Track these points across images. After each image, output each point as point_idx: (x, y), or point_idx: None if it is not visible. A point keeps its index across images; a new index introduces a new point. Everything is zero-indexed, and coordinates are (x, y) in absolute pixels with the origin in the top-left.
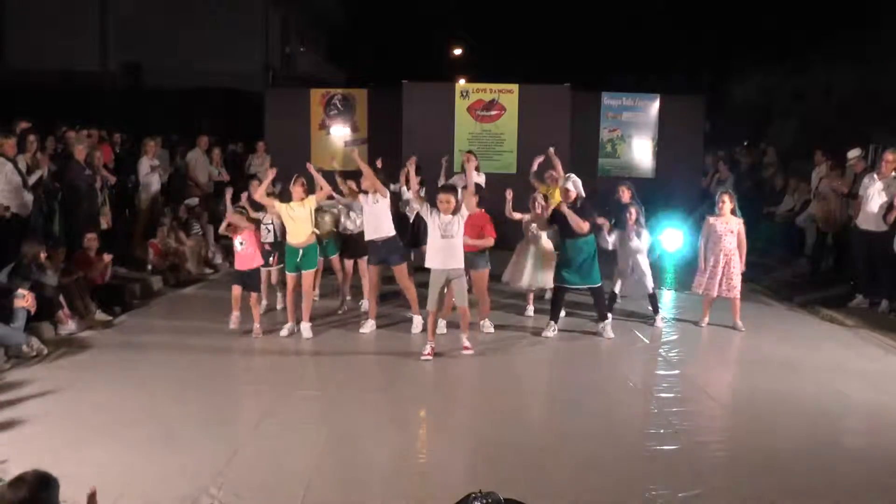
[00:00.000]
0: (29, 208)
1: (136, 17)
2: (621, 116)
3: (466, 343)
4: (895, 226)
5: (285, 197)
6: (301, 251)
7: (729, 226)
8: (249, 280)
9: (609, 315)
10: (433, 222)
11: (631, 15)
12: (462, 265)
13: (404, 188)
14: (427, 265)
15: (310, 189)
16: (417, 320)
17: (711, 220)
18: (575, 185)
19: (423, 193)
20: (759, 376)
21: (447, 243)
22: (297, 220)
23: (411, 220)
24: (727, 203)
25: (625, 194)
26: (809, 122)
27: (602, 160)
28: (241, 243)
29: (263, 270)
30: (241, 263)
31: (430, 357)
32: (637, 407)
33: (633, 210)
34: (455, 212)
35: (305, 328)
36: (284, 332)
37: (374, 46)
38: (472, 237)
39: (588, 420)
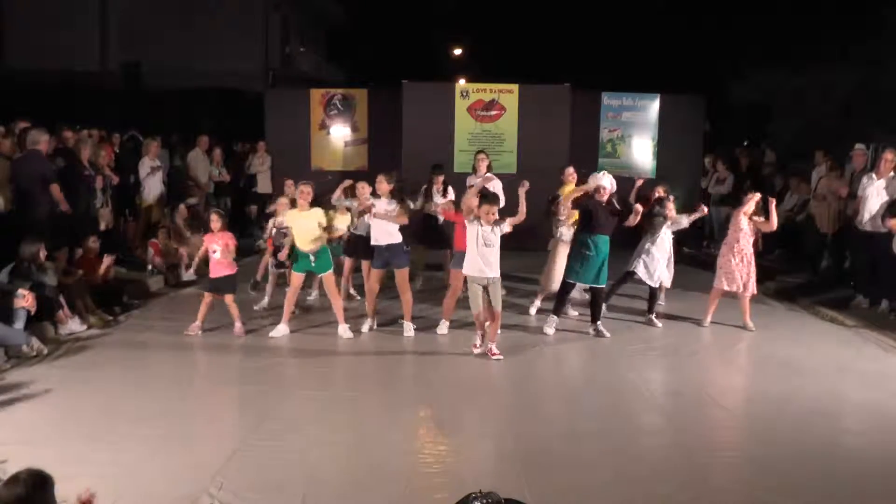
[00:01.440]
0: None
1: (137, 17)
2: (621, 116)
3: (495, 350)
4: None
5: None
6: (311, 256)
7: (750, 225)
8: (222, 285)
9: (600, 316)
10: (473, 231)
11: (631, 15)
12: (498, 272)
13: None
14: (465, 272)
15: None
16: (408, 325)
17: (739, 216)
18: (612, 183)
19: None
20: (760, 376)
21: (486, 251)
22: (302, 227)
23: (440, 222)
24: (753, 202)
25: (658, 191)
26: (809, 122)
27: (602, 160)
28: (215, 251)
29: (280, 271)
30: (214, 271)
31: (499, 355)
32: (638, 407)
33: (670, 204)
34: (497, 223)
35: (343, 329)
36: (276, 333)
37: (374, 46)
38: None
39: (590, 420)
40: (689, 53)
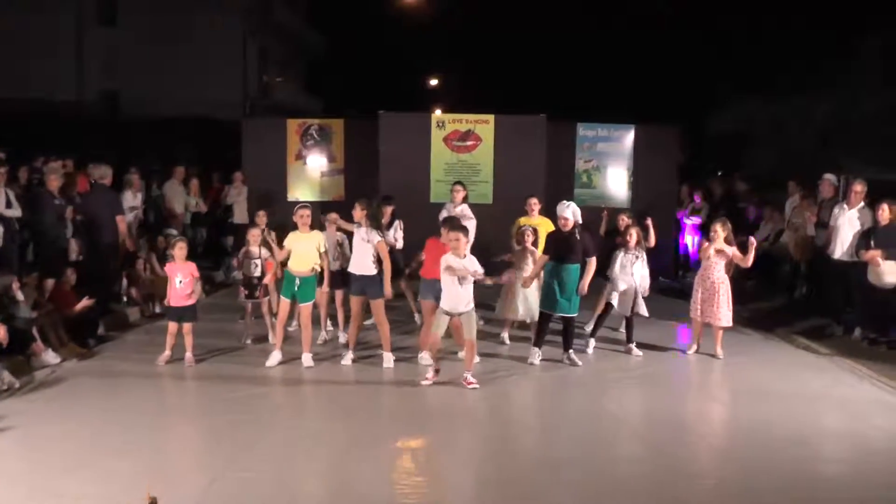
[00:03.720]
0: (1, 240)
1: (114, 46)
2: (596, 147)
3: (471, 379)
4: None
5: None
6: (298, 280)
7: (721, 255)
8: (185, 313)
9: (572, 345)
10: (449, 265)
11: (607, 46)
12: (472, 305)
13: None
14: (441, 305)
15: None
16: (388, 356)
17: (706, 245)
18: (574, 213)
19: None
20: (736, 404)
21: (459, 290)
22: (302, 249)
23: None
24: (720, 232)
25: (623, 221)
26: (785, 151)
27: (578, 190)
28: (180, 281)
29: (251, 302)
30: (177, 300)
31: (431, 381)
32: (617, 436)
33: (633, 232)
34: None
35: (307, 358)
36: (272, 361)
37: (351, 77)
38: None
39: (569, 450)
40: (665, 84)
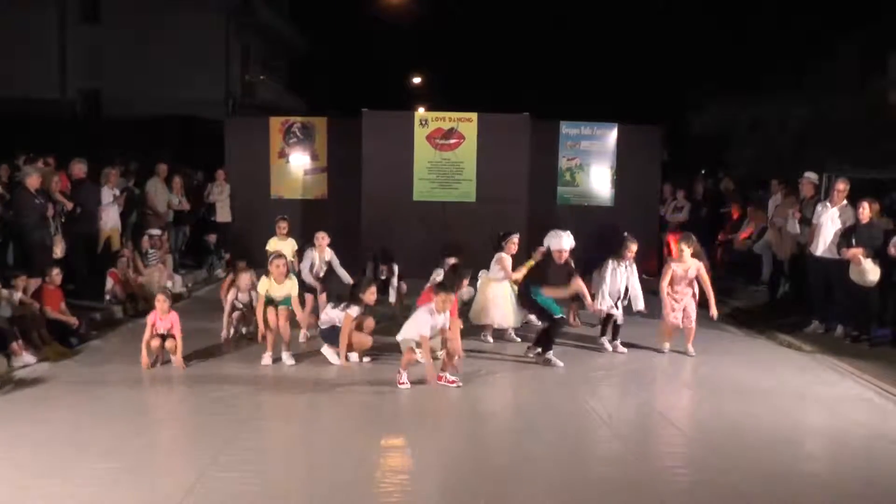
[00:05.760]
0: None
1: (96, 44)
2: (580, 145)
3: (451, 377)
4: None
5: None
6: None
7: (689, 272)
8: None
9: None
10: (427, 320)
11: (590, 46)
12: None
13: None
14: (406, 335)
15: None
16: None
17: (673, 265)
18: (572, 243)
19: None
20: (718, 402)
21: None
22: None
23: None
24: (686, 250)
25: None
26: (766, 151)
27: (561, 188)
28: (162, 333)
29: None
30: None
31: (407, 384)
32: (599, 433)
33: (632, 245)
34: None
35: (286, 356)
36: (266, 360)
37: (334, 75)
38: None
39: (551, 447)
40: (648, 84)
